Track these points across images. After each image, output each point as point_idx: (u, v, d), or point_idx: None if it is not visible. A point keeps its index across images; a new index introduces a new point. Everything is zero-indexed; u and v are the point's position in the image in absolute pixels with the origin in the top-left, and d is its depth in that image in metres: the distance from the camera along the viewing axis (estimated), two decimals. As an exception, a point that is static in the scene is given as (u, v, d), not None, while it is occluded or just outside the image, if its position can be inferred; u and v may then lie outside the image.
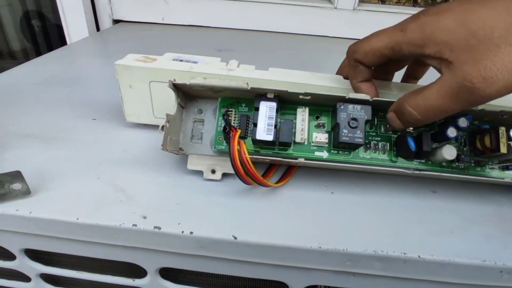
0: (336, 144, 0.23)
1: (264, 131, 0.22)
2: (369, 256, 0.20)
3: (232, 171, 0.22)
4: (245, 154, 0.21)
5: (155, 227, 0.20)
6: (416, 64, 0.27)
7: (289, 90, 0.22)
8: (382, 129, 0.24)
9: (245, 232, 0.20)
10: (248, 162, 0.20)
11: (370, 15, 0.62)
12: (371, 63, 0.22)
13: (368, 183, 0.25)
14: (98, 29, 0.65)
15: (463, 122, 0.21)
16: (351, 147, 0.23)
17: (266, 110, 0.23)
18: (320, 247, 0.19)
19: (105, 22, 0.65)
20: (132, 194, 0.22)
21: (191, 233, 0.20)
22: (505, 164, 0.24)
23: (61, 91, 0.36)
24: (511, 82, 0.17)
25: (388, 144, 0.24)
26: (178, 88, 0.24)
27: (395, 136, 0.24)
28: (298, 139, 0.23)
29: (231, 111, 0.24)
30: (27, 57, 0.91)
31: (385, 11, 0.62)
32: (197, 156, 0.24)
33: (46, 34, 0.89)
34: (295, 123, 0.24)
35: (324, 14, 0.63)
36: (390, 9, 0.62)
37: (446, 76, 0.18)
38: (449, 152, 0.22)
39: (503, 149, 0.22)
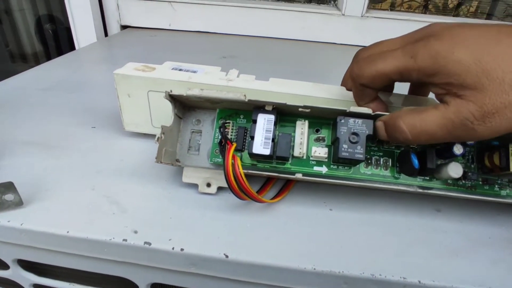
0: (336, 159, 0.22)
1: (261, 145, 0.21)
2: (366, 280, 0.19)
3: (227, 185, 0.21)
4: (239, 168, 0.20)
5: (145, 242, 0.19)
6: (418, 91, 0.26)
7: (288, 103, 0.22)
8: (385, 144, 0.23)
9: (237, 250, 0.19)
10: (241, 177, 0.20)
11: (378, 22, 0.61)
12: (378, 87, 0.22)
13: (369, 200, 0.24)
14: (106, 34, 0.66)
15: None
16: (352, 162, 0.22)
17: (264, 123, 0.22)
18: (314, 269, 0.19)
19: (113, 27, 0.66)
20: (125, 207, 0.22)
21: (182, 249, 0.19)
22: None
23: (64, 97, 0.36)
24: (503, 129, 0.17)
25: (390, 160, 0.23)
26: (175, 99, 0.23)
27: (398, 151, 0.23)
28: (296, 153, 0.22)
29: (229, 122, 0.24)
30: (41, 60, 0.93)
31: (394, 18, 0.61)
32: (193, 169, 0.24)
33: (60, 38, 0.91)
34: (294, 136, 0.23)
35: (332, 20, 0.63)
36: (398, 16, 0.61)
37: (450, 108, 0.18)
38: (455, 169, 0.21)
39: None
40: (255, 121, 0.22)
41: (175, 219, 0.21)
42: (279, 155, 0.21)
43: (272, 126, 0.22)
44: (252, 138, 0.21)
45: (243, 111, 0.24)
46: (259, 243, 0.20)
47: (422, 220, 0.23)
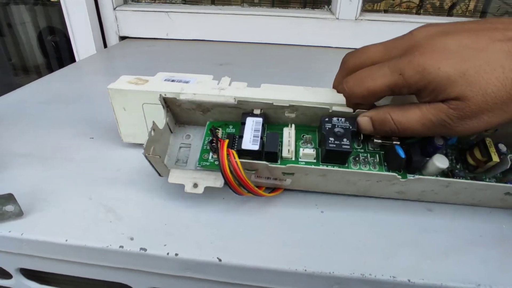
0: (324, 157, 0.23)
1: (250, 142, 0.22)
2: (356, 280, 0.19)
3: (215, 184, 0.22)
4: (235, 158, 0.20)
5: (141, 248, 0.20)
6: None
7: (275, 103, 0.23)
8: (370, 147, 0.24)
9: (230, 254, 0.20)
10: (239, 168, 0.20)
11: (372, 24, 0.62)
12: (371, 103, 0.23)
13: (360, 201, 0.24)
14: (105, 45, 0.67)
15: None
16: (339, 156, 0.22)
17: (253, 125, 0.23)
18: (305, 270, 0.19)
19: (112, 38, 0.67)
20: (121, 215, 0.22)
21: (176, 255, 0.20)
22: (504, 181, 0.23)
23: (63, 110, 0.37)
24: (481, 129, 0.19)
25: (377, 155, 0.23)
26: (167, 106, 0.24)
27: (383, 152, 0.23)
28: (285, 153, 0.23)
29: (218, 129, 0.24)
30: (43, 73, 0.95)
31: (388, 20, 0.62)
32: (179, 170, 0.23)
33: (61, 50, 0.92)
34: (281, 141, 0.23)
35: (327, 25, 0.63)
36: (392, 18, 0.62)
37: (430, 110, 0.20)
38: (440, 160, 0.22)
39: (495, 158, 0.22)
40: (243, 123, 0.23)
41: (170, 225, 0.22)
42: (268, 150, 0.22)
43: (260, 127, 0.23)
44: (241, 137, 0.22)
45: (232, 122, 0.25)
46: (251, 246, 0.20)
47: (414, 219, 0.23)
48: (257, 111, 0.23)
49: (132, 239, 0.20)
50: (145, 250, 0.20)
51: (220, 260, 0.19)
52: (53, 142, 0.30)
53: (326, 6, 0.67)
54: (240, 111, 0.24)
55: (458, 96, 0.18)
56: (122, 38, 0.68)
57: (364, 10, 0.65)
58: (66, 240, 0.20)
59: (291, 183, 0.23)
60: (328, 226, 0.22)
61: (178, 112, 0.25)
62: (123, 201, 0.23)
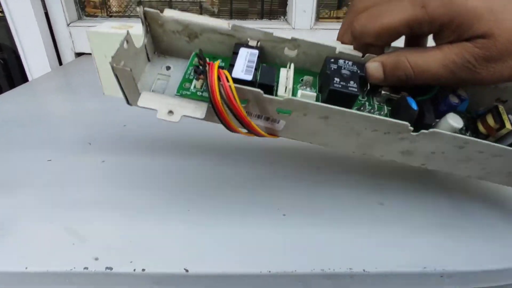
0: (325, 100, 0.19)
1: (242, 71, 0.19)
2: (317, 275, 0.20)
3: (195, 114, 0.18)
4: (228, 81, 0.16)
5: (106, 268, 0.20)
6: (415, 43, 0.23)
7: (275, 34, 0.20)
8: (375, 100, 0.22)
9: (197, 264, 0.20)
10: (232, 93, 0.16)
11: (326, 33, 0.66)
12: (385, 44, 0.20)
13: (319, 202, 0.26)
14: (60, 63, 0.65)
15: (462, 92, 0.21)
16: (344, 100, 0.19)
17: (247, 55, 0.19)
18: (269, 272, 0.20)
19: (68, 55, 0.65)
20: (84, 236, 0.22)
21: (143, 270, 0.20)
22: None
23: (17, 132, 0.36)
24: (506, 76, 0.18)
25: (385, 108, 0.21)
26: (148, 25, 0.20)
27: (390, 108, 0.21)
28: (280, 91, 0.20)
29: (206, 59, 0.20)
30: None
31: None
32: (152, 93, 0.19)
33: (13, 68, 0.87)
34: (278, 81, 0.20)
35: (284, 34, 0.66)
36: (344, 27, 0.66)
37: (453, 49, 0.18)
38: (454, 119, 0.20)
39: (508, 125, 0.21)
40: (236, 53, 0.19)
41: (135, 241, 0.22)
42: (262, 82, 0.19)
43: (255, 59, 0.19)
44: (232, 66, 0.19)
45: (223, 57, 0.21)
46: (218, 254, 0.21)
47: (367, 214, 0.25)
48: (253, 43, 0.20)
49: (97, 259, 0.20)
50: (111, 269, 0.20)
51: (187, 270, 0.20)
52: (8, 167, 0.29)
53: (282, 17, 0.70)
54: (233, 42, 0.21)
55: (484, 33, 0.17)
56: (78, 54, 0.66)
57: (321, 17, 0.69)
58: (26, 268, 0.20)
59: (284, 128, 0.20)
60: (289, 228, 0.24)
61: (160, 35, 0.21)
62: (86, 222, 0.23)
